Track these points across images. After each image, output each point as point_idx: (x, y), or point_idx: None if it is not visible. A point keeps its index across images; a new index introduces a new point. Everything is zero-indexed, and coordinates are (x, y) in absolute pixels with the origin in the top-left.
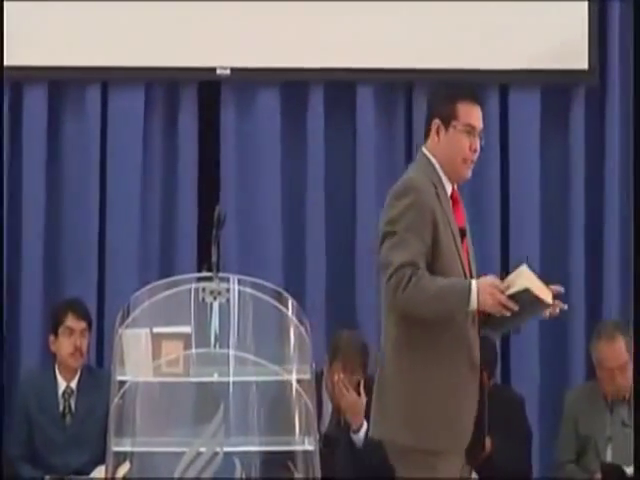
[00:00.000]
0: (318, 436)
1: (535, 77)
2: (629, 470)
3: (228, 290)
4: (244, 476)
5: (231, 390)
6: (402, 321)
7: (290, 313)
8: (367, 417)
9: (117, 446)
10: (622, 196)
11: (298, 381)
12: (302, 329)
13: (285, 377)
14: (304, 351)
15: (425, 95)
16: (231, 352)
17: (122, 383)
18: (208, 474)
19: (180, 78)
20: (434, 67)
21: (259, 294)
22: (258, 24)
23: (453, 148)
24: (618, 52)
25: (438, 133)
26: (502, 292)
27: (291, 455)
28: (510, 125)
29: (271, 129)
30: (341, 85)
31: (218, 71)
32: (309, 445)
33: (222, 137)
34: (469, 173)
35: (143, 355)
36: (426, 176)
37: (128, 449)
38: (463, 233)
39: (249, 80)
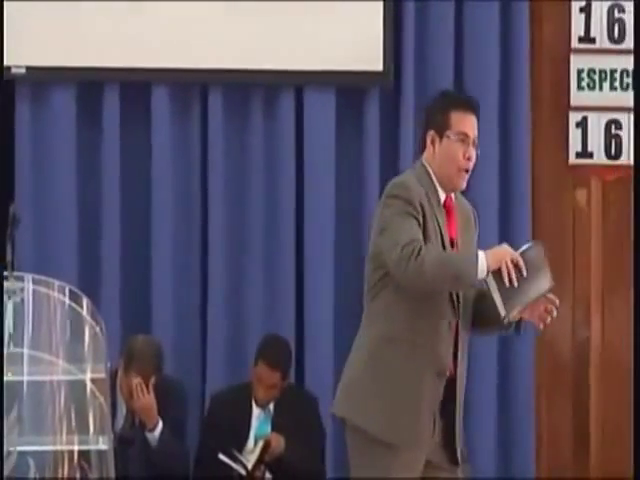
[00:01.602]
0: (112, 435)
1: (330, 78)
2: None
3: (22, 289)
4: (37, 475)
5: (25, 389)
6: (384, 315)
7: (85, 313)
8: (161, 415)
9: None
10: None
11: (93, 380)
12: (97, 329)
13: (80, 376)
14: (99, 351)
15: (221, 95)
16: (25, 351)
17: None
18: (1, 473)
19: None
20: (229, 68)
21: (54, 293)
22: (54, 23)
23: (447, 157)
24: (413, 54)
25: (433, 144)
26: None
27: (85, 454)
28: (305, 126)
29: (66, 128)
30: (136, 85)
31: (13, 70)
32: (103, 444)
33: (17, 136)
34: (463, 183)
35: None
36: (418, 181)
37: None
38: (453, 243)
39: (44, 79)
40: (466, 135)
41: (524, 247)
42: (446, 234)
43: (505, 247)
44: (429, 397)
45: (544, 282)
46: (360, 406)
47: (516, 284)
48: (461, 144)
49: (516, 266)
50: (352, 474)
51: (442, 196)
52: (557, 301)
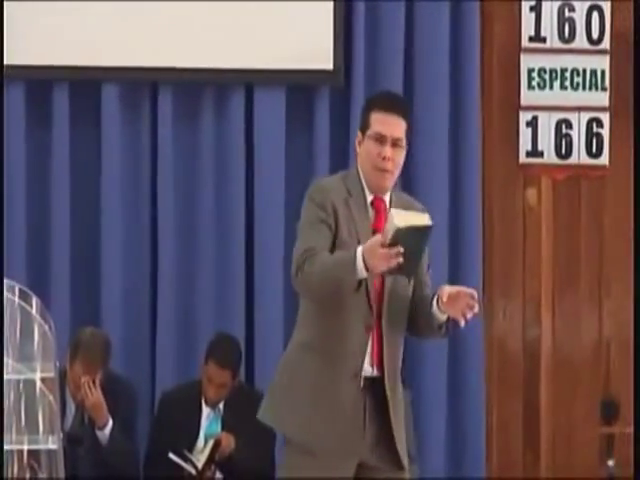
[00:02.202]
0: (62, 434)
1: (280, 77)
2: None
3: None
4: None
5: None
6: (301, 321)
7: (34, 312)
8: (111, 414)
9: None
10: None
11: (42, 379)
12: (46, 327)
13: (29, 375)
14: (48, 349)
15: (171, 94)
16: None
17: None
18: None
19: None
20: (179, 66)
21: (3, 292)
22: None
23: (365, 157)
24: (363, 53)
25: (360, 145)
26: (382, 246)
27: (35, 454)
28: (255, 125)
29: (15, 127)
30: (86, 83)
31: None
32: (53, 444)
33: None
34: (385, 182)
35: None
36: (343, 182)
37: None
38: None
39: None
40: (381, 135)
41: (388, 236)
42: (368, 234)
43: (373, 240)
44: (346, 400)
45: (424, 236)
46: (279, 412)
47: (401, 259)
48: (377, 144)
49: (391, 245)
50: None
51: (369, 197)
52: (476, 294)
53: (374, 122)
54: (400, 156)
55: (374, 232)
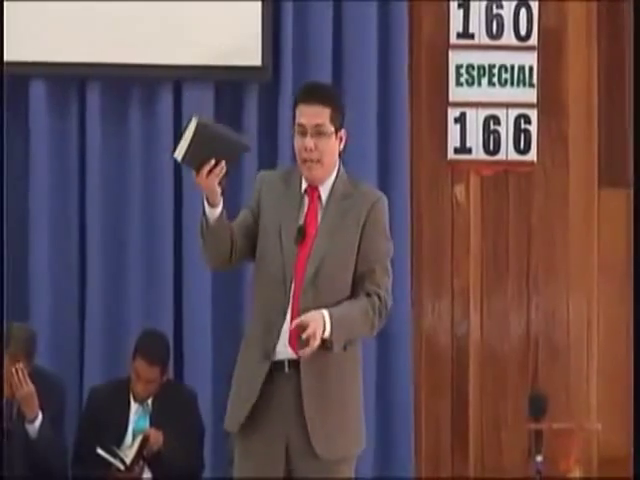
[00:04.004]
0: None
1: (208, 73)
2: None
3: None
4: None
5: None
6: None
7: None
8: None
9: None
10: None
11: None
12: None
13: None
14: None
15: (99, 89)
16: None
17: None
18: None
19: None
20: (107, 62)
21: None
22: None
23: (296, 151)
24: (291, 49)
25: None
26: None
27: None
28: (184, 121)
29: None
30: (14, 79)
31: None
32: None
33: None
34: (313, 172)
35: None
36: (284, 174)
37: None
38: (302, 230)
39: None
40: (301, 125)
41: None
42: (293, 222)
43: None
44: (252, 380)
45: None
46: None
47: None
48: (301, 136)
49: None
50: None
51: (304, 186)
52: (298, 324)
53: (297, 115)
54: (326, 143)
55: (306, 222)
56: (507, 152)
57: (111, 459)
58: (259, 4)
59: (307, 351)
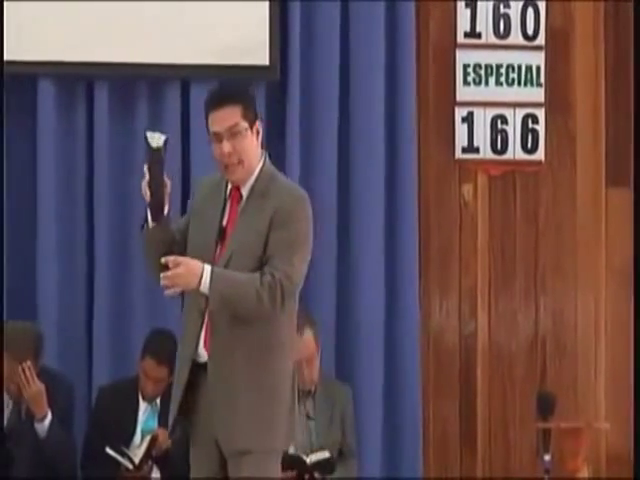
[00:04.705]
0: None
1: (216, 72)
2: (309, 459)
3: None
4: None
5: None
6: None
7: None
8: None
9: None
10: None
11: None
12: None
13: None
14: None
15: (107, 89)
16: None
17: None
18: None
19: None
20: (114, 61)
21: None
22: None
23: (215, 159)
24: (299, 48)
25: None
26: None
27: None
28: (191, 121)
29: None
30: (21, 79)
31: None
32: None
33: None
34: (235, 176)
35: None
36: (219, 178)
37: None
38: (223, 231)
39: None
40: (215, 133)
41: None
42: (216, 223)
43: None
44: (180, 383)
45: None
46: None
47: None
48: (217, 143)
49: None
50: None
51: (229, 188)
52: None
53: (209, 124)
54: (242, 142)
55: (226, 223)
56: (515, 151)
57: (120, 458)
58: (266, 3)
59: (170, 292)
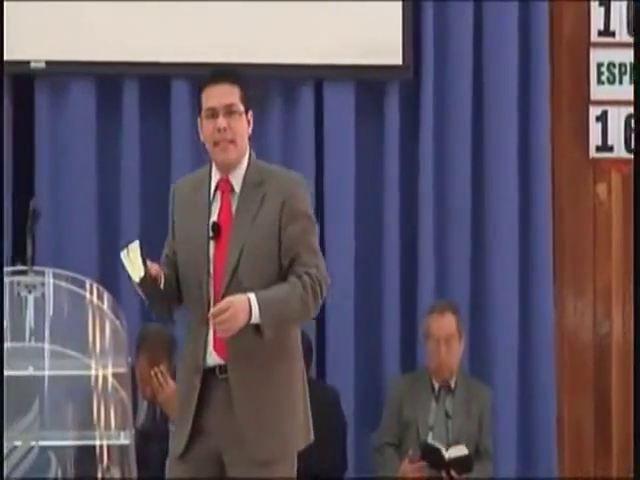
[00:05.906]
0: (134, 430)
1: (349, 72)
2: (447, 454)
3: (43, 284)
4: (59, 470)
5: (46, 384)
6: None
7: (106, 307)
8: None
9: None
10: (436, 189)
11: (114, 375)
12: (118, 323)
13: (101, 371)
14: (120, 345)
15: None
16: (46, 346)
17: None
18: (23, 468)
19: None
20: (252, 62)
21: (74, 288)
22: (72, 17)
23: (205, 137)
24: (432, 48)
25: (202, 129)
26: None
27: (107, 449)
28: (325, 120)
29: (86, 123)
30: (156, 79)
31: (32, 64)
32: (125, 439)
33: (37, 131)
34: (229, 154)
35: None
36: (195, 175)
37: None
38: (216, 226)
39: (64, 73)
40: (211, 108)
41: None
42: (203, 219)
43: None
44: (187, 395)
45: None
46: None
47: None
48: (211, 119)
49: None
50: None
51: (215, 179)
52: (216, 311)
53: (204, 100)
54: (239, 123)
55: (220, 217)
56: None
57: None
58: (400, 3)
59: (224, 335)
